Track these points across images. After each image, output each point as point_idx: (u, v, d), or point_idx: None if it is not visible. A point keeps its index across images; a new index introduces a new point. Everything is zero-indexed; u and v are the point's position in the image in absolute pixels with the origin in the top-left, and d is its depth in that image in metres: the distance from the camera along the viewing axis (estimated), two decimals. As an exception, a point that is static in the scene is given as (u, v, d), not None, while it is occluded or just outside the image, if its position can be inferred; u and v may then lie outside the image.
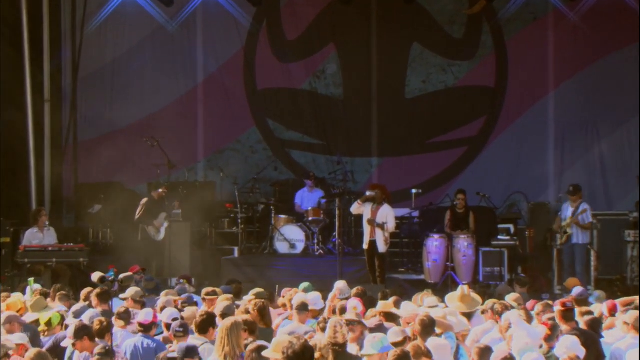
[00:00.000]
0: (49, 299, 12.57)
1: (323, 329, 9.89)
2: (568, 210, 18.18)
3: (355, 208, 17.81)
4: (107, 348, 9.37)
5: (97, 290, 12.09)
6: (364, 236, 17.83)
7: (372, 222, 17.58)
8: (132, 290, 12.42)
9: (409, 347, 8.81)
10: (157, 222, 18.48)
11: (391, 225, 17.63)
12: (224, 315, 10.74)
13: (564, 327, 10.44)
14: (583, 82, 21.40)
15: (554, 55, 21.54)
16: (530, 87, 21.72)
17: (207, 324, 9.82)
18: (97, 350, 9.35)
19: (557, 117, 21.69)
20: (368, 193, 17.64)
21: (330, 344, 8.63)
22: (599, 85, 21.25)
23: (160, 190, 18.74)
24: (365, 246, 17.82)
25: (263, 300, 11.41)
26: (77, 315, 11.15)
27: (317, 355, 8.37)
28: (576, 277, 16.33)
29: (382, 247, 17.59)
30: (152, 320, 10.54)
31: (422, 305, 11.58)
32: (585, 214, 18.07)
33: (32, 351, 9.13)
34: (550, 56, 21.56)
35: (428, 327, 9.63)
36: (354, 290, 12.62)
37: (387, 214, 17.59)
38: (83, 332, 9.95)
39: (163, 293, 13.23)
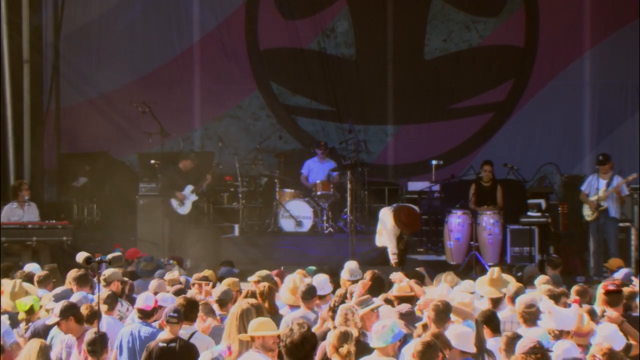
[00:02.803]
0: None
1: (333, 317, 9.79)
2: (599, 182, 18.00)
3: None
4: (101, 336, 9.31)
5: (75, 272, 12.01)
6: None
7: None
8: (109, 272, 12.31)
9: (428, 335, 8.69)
10: (180, 194, 18.48)
11: None
12: (220, 301, 10.64)
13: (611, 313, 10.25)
14: (623, 41, 21.17)
15: (591, 10, 21.34)
16: (563, 46, 21.56)
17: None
18: (87, 338, 9.27)
19: (594, 80, 21.54)
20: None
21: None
22: (641, 44, 21.04)
23: (189, 161, 18.84)
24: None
25: (267, 284, 11.34)
26: (58, 299, 11.02)
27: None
28: (614, 258, 16.24)
29: None
30: (154, 306, 10.44)
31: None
32: (623, 185, 17.91)
33: (35, 343, 9.08)
34: (587, 12, 21.37)
35: (442, 313, 9.54)
36: (368, 275, 12.46)
37: None
38: (69, 312, 9.98)
39: (161, 275, 13.15)
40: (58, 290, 11.50)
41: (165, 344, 9.48)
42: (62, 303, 10.14)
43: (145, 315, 10.38)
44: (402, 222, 17.12)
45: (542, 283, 12.07)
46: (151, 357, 9.51)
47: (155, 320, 10.53)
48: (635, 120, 21.25)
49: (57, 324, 10.05)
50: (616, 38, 21.25)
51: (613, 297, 10.52)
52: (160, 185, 18.92)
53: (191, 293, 12.05)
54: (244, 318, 8.94)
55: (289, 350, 7.80)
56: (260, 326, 8.56)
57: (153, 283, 12.26)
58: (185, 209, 18.69)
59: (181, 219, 18.69)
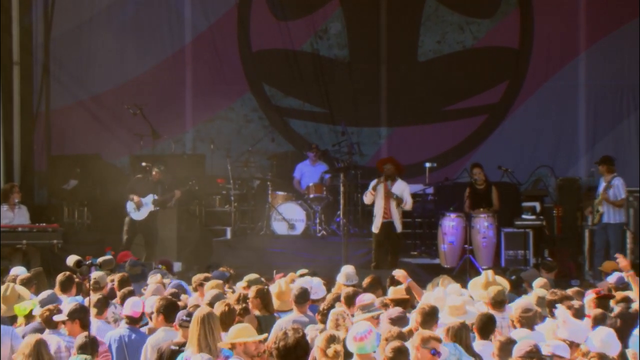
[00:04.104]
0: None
1: (323, 321, 9.75)
2: (601, 186, 18.03)
3: (369, 198, 17.67)
4: (92, 340, 9.34)
5: (60, 276, 11.98)
6: (375, 219, 17.66)
7: (390, 194, 17.46)
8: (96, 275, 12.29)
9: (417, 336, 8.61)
10: (137, 199, 18.35)
11: (409, 202, 17.68)
12: (211, 305, 10.63)
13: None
14: (619, 42, 21.20)
15: (586, 11, 21.35)
16: (558, 47, 21.56)
17: None
18: (77, 341, 9.32)
19: (589, 82, 21.54)
20: (374, 183, 17.50)
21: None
22: (637, 45, 20.99)
23: (157, 172, 18.64)
24: (375, 230, 17.66)
25: (265, 286, 11.43)
26: (44, 303, 10.96)
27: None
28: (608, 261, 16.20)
29: (399, 227, 17.65)
30: (142, 311, 10.51)
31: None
32: (616, 188, 17.87)
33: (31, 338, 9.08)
34: (582, 13, 21.37)
35: (429, 316, 9.51)
36: (367, 280, 12.43)
37: (403, 190, 17.58)
38: (77, 315, 10.02)
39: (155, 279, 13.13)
40: (44, 294, 11.44)
41: (176, 347, 9.49)
42: (73, 304, 10.18)
43: (133, 321, 10.45)
44: (379, 163, 17.91)
45: (539, 286, 12.03)
46: (162, 358, 9.52)
47: (142, 326, 10.56)
48: (631, 122, 21.26)
49: (63, 323, 10.09)
50: (612, 39, 21.25)
51: (601, 302, 10.57)
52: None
53: (189, 299, 12.03)
54: (206, 323, 8.85)
55: (281, 353, 7.79)
56: (239, 332, 8.53)
57: (150, 287, 12.25)
58: (139, 215, 18.43)
59: (132, 223, 18.47)
